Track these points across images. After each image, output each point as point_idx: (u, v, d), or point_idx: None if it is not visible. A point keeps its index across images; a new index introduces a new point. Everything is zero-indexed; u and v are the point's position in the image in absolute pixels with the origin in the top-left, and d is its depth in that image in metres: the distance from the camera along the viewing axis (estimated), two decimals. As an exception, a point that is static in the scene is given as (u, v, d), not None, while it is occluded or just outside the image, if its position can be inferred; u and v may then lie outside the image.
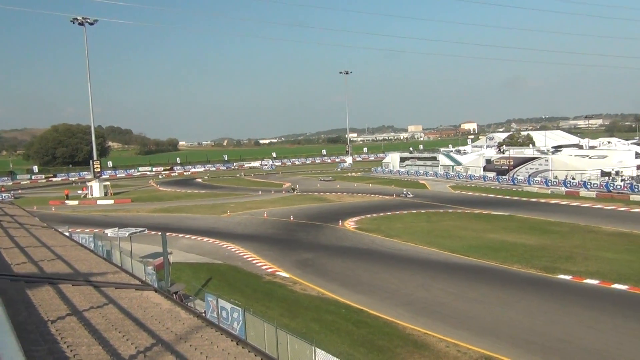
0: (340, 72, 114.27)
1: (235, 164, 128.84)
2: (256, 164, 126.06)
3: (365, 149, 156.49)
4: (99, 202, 62.70)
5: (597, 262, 25.20)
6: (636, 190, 47.86)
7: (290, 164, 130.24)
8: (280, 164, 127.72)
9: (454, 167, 76.03)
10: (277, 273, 26.08)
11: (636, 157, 62.68)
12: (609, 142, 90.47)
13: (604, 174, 55.20)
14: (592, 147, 79.40)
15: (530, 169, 62.86)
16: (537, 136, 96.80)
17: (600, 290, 21.24)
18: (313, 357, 12.77)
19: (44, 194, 74.62)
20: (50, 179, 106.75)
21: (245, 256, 30.05)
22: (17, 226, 17.82)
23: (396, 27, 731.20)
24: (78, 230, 34.49)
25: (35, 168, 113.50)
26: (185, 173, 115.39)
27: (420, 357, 15.38)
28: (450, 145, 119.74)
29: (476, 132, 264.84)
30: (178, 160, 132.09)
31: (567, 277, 23.08)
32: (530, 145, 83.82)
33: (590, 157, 62.15)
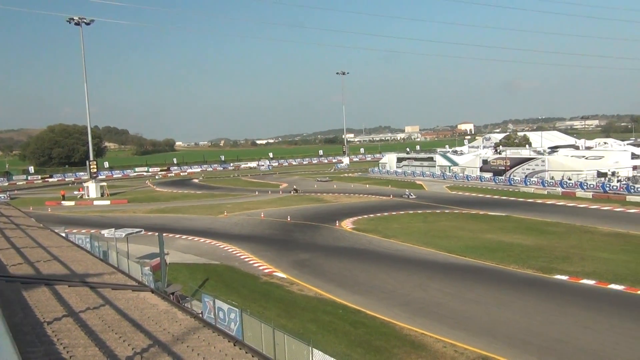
0: (337, 73, 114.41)
1: (232, 164, 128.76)
2: (253, 164, 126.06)
3: (362, 150, 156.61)
4: (96, 202, 62.57)
5: (593, 263, 25.26)
6: (632, 191, 48.02)
7: (287, 164, 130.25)
8: (277, 164, 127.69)
9: (451, 168, 76.18)
10: (274, 273, 26.06)
11: (632, 158, 62.96)
12: (605, 143, 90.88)
13: (600, 174, 55.40)
14: (588, 148, 79.76)
15: (527, 169, 63.01)
16: (534, 137, 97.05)
17: (597, 291, 21.29)
18: (310, 358, 12.75)
19: (40, 195, 74.42)
20: (46, 179, 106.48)
21: (242, 257, 30.02)
22: (13, 227, 17.76)
23: (393, 28, 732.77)
24: (74, 230, 34.41)
25: (32, 168, 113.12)
26: (182, 173, 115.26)
27: (418, 358, 15.38)
28: (447, 146, 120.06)
29: (473, 132, 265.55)
30: (175, 160, 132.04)
31: (564, 278, 23.12)
32: (527, 145, 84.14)
33: (586, 158, 62.34)
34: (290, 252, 30.76)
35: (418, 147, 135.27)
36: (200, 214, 48.31)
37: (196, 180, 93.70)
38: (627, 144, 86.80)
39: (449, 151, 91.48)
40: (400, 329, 17.77)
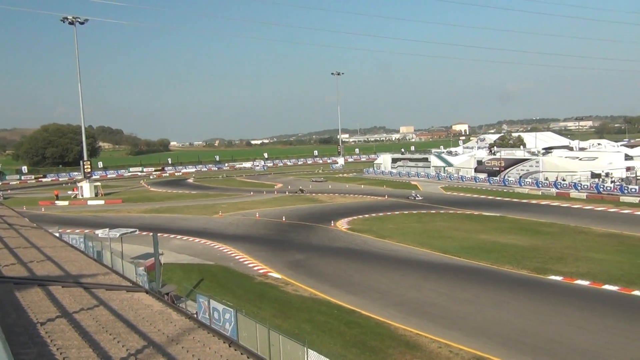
0: (332, 73, 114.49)
1: (226, 164, 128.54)
2: (248, 164, 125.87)
3: (357, 150, 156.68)
4: (90, 202, 62.30)
5: (587, 263, 25.38)
6: (626, 191, 48.30)
7: (282, 164, 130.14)
8: (271, 164, 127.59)
9: (446, 168, 76.38)
10: (269, 274, 26.02)
11: (625, 159, 63.35)
12: (598, 144, 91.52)
13: (594, 175, 55.73)
14: (582, 149, 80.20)
15: (521, 170, 63.25)
16: (528, 138, 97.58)
17: (591, 291, 21.39)
18: (305, 358, 12.73)
19: (34, 195, 74.02)
20: (40, 179, 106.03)
21: (237, 257, 29.96)
22: (6, 227, 17.63)
23: (388, 28, 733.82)
24: (68, 230, 34.25)
25: (25, 168, 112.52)
26: (176, 173, 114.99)
27: (413, 358, 15.40)
28: (441, 147, 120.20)
29: (467, 133, 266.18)
30: (169, 160, 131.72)
31: (558, 278, 23.22)
32: (521, 146, 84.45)
33: (580, 159, 62.71)
34: (285, 252, 30.73)
35: (413, 148, 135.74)
36: (195, 214, 48.19)
37: (191, 180, 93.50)
38: (621, 145, 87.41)
39: (443, 152, 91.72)
40: (395, 329, 17.79)
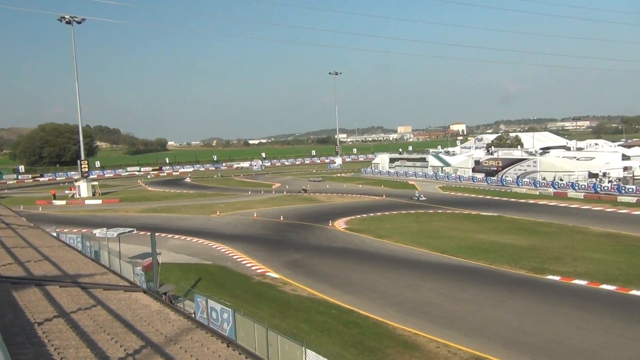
0: (330, 73, 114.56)
1: (224, 164, 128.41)
2: (245, 164, 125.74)
3: (354, 150, 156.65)
4: (87, 202, 62.14)
5: (585, 263, 25.41)
6: (623, 191, 48.42)
7: (279, 164, 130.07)
8: (269, 164, 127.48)
9: (443, 168, 76.43)
10: (267, 274, 25.99)
11: (623, 159, 63.54)
12: (596, 144, 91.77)
13: (592, 175, 55.85)
14: (579, 149, 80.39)
15: (519, 170, 63.34)
16: (525, 137, 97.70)
17: (589, 291, 21.41)
18: (304, 358, 12.70)
19: (31, 194, 73.81)
20: (37, 178, 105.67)
21: (235, 257, 29.91)
22: (4, 226, 17.58)
23: (386, 28, 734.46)
24: (65, 230, 34.16)
25: (22, 168, 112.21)
26: (174, 173, 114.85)
27: (411, 358, 15.38)
28: (439, 147, 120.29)
29: (465, 133, 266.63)
30: (167, 160, 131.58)
31: (556, 278, 23.23)
32: (519, 146, 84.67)
33: (577, 159, 62.85)
34: (283, 252, 30.70)
35: (410, 148, 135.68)
36: (192, 214, 48.11)
37: (188, 180, 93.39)
38: (618, 145, 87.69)
39: (441, 152, 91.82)
40: (393, 329, 17.77)
